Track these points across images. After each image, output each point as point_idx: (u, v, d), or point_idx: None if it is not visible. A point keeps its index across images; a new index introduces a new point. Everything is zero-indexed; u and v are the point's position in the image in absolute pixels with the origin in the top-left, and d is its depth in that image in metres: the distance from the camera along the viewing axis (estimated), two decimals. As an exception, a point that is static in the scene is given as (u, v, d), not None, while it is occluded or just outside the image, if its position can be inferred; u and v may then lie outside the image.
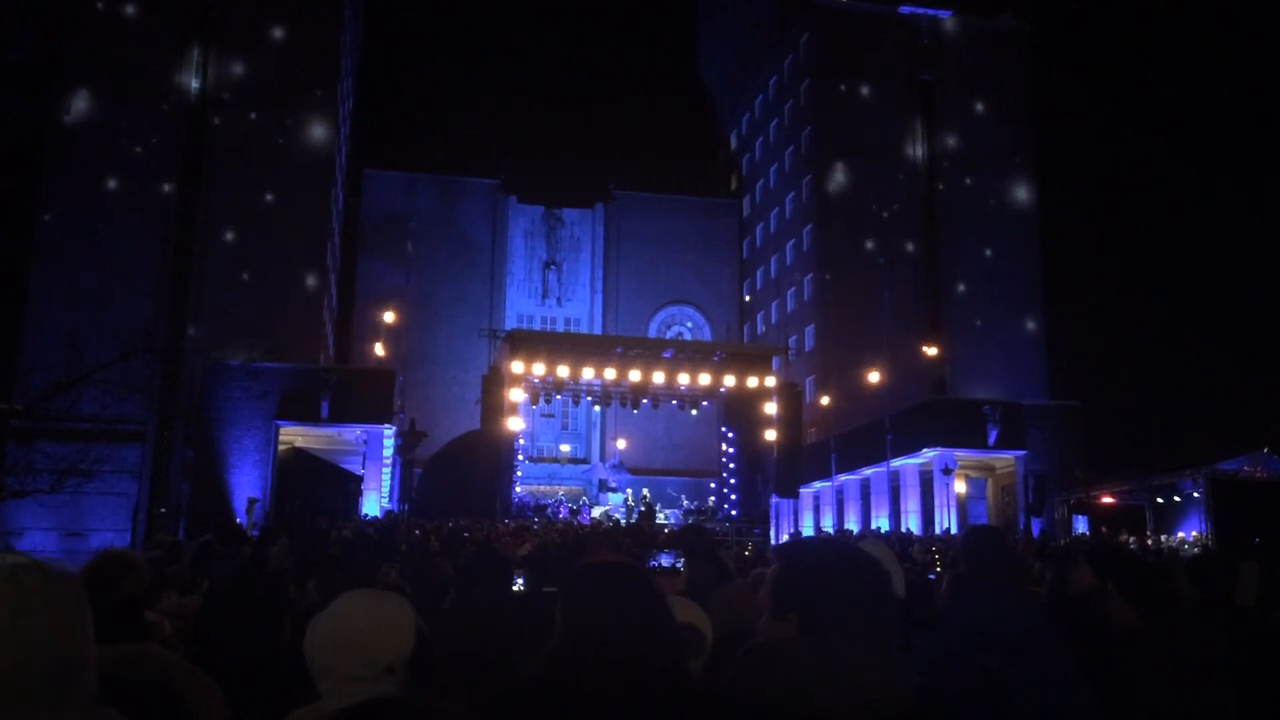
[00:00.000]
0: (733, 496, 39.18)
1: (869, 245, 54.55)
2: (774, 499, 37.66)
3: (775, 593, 2.27)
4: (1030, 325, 54.73)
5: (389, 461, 35.73)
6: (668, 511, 38.10)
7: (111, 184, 42.09)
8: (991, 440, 36.20)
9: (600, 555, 2.33)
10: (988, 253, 54.89)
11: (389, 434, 34.87)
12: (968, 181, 56.06)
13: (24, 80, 42.41)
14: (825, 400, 48.80)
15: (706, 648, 3.37)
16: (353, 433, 35.64)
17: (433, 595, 7.75)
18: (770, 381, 36.87)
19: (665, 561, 3.93)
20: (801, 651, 2.09)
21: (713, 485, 43.29)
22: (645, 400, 36.43)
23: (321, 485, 31.84)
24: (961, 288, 54.45)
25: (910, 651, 3.19)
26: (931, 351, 47.16)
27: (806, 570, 2.25)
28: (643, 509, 35.76)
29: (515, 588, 5.45)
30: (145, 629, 3.86)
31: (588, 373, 34.87)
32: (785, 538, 33.11)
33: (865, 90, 56.15)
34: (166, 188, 42.55)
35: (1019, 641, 3.12)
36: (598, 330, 60.37)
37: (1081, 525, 32.18)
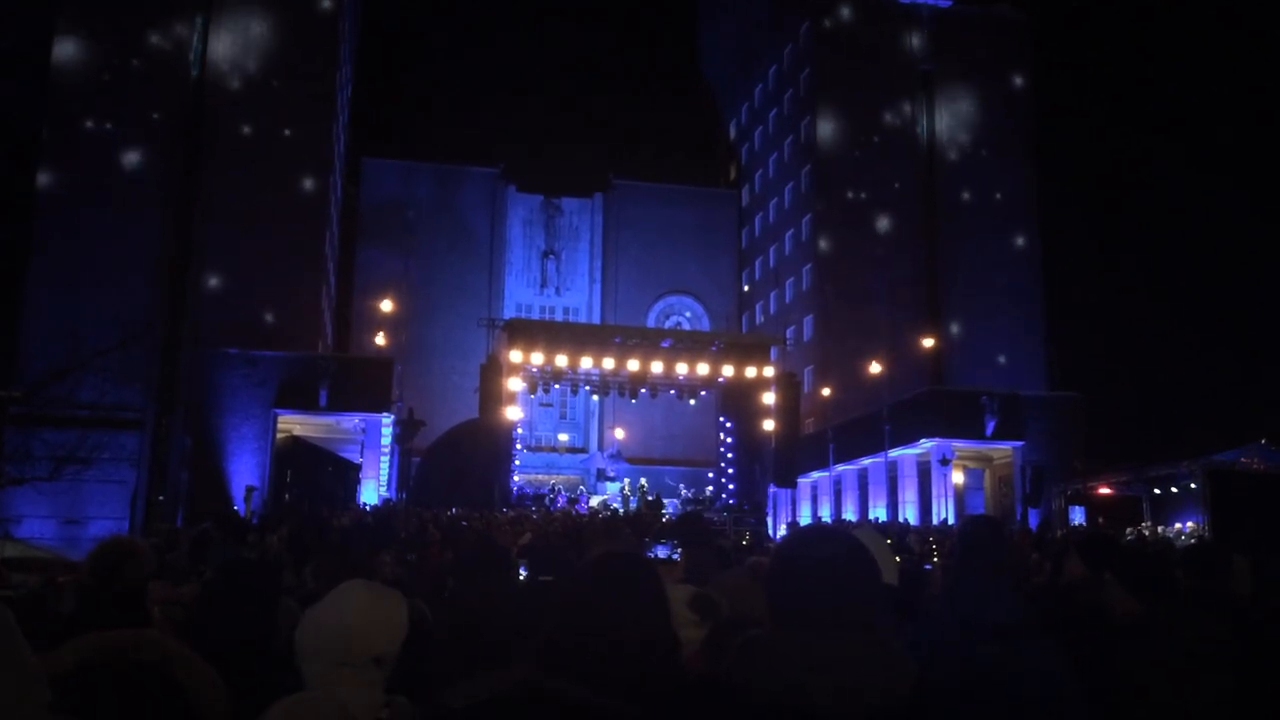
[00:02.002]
0: (730, 486, 39.21)
1: (868, 236, 54.56)
2: (771, 489, 37.70)
3: (769, 587, 2.27)
4: (1029, 316, 54.72)
5: (387, 450, 35.77)
6: (666, 501, 38.12)
7: (109, 172, 41.97)
8: (989, 431, 36.26)
9: (607, 546, 2.34)
10: (987, 243, 54.84)
11: (387, 422, 34.89)
12: (968, 172, 56.01)
13: (21, 68, 42.27)
14: (825, 391, 48.84)
15: (720, 612, 3.40)
16: (351, 421, 35.67)
17: (432, 584, 7.76)
18: (769, 371, 36.87)
19: (661, 553, 3.96)
20: (798, 643, 2.10)
21: (710, 475, 43.33)
22: (643, 390, 36.42)
23: (320, 473, 31.87)
24: (961, 278, 54.41)
25: (907, 641, 3.21)
26: (930, 342, 47.17)
27: (798, 562, 2.26)
28: (650, 498, 35.76)
29: (519, 577, 5.46)
30: (148, 616, 3.88)
31: (586, 362, 34.86)
32: (783, 527, 33.20)
33: (865, 80, 56.02)
34: (164, 176, 42.42)
35: (1016, 631, 3.14)
36: (596, 320, 60.31)
37: (1078, 516, 32.21)
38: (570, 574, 2.29)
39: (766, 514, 35.85)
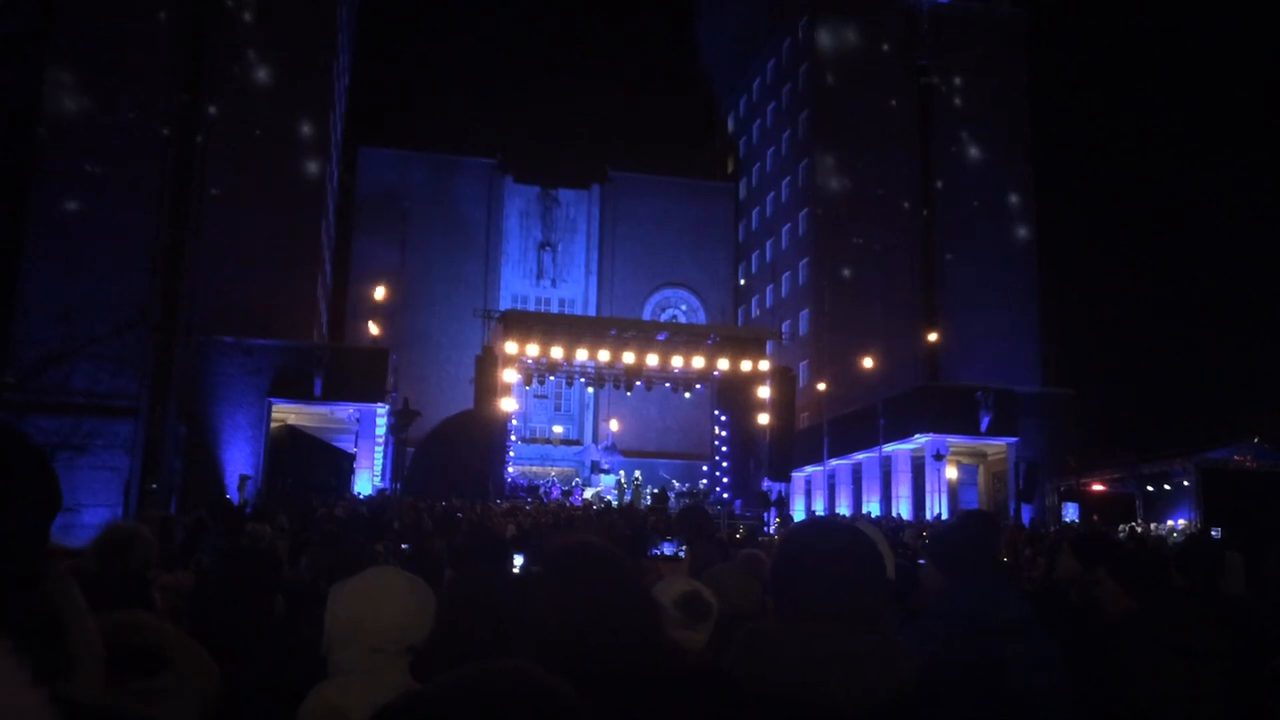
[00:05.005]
0: (725, 480, 39.27)
1: (865, 231, 54.53)
2: (767, 483, 37.71)
3: (774, 580, 2.28)
4: (1025, 313, 54.76)
5: (381, 440, 35.75)
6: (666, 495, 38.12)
7: (105, 160, 41.82)
8: (984, 427, 36.31)
9: (562, 538, 2.31)
10: (984, 239, 54.87)
11: (382, 413, 34.86)
12: (965, 168, 56.01)
13: (16, 52, 42.07)
14: (820, 385, 48.87)
15: (714, 615, 3.40)
16: (346, 411, 35.63)
17: (427, 574, 7.75)
18: (764, 365, 36.89)
19: (668, 550, 3.96)
20: (801, 636, 2.10)
21: (705, 468, 43.37)
22: (639, 382, 36.43)
23: (314, 463, 31.88)
24: (957, 274, 54.44)
25: (906, 636, 3.22)
26: (926, 337, 47.22)
27: (802, 553, 2.26)
28: (654, 492, 35.78)
29: (515, 568, 5.46)
30: (149, 601, 3.90)
31: (581, 354, 34.85)
32: (777, 521, 33.21)
33: (863, 75, 55.97)
34: (160, 163, 42.26)
35: (1015, 626, 3.15)
36: (592, 312, 60.28)
37: (1072, 512, 32.33)
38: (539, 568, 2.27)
39: (772, 508, 35.69)
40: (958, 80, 56.79)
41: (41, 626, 1.94)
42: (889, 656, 2.10)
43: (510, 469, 37.12)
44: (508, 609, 3.64)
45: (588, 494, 36.74)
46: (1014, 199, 56.13)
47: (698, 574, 4.01)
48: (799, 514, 41.14)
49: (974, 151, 56.29)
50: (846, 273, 53.78)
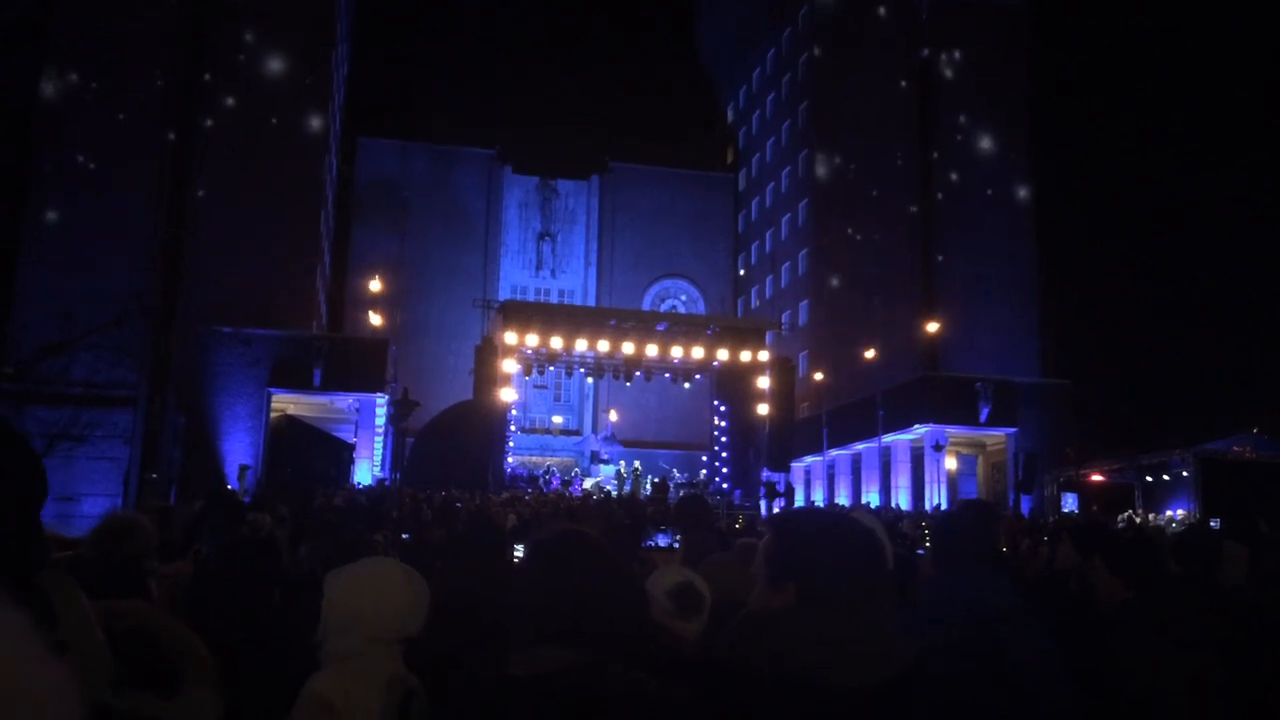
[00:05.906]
0: (724, 470, 39.28)
1: (865, 222, 54.48)
2: (771, 474, 37.71)
3: (770, 562, 2.28)
4: (1024, 305, 54.76)
5: (381, 430, 35.77)
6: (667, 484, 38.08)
7: (104, 150, 41.74)
8: (983, 417, 36.34)
9: (550, 528, 2.33)
10: (983, 231, 54.83)
11: (381, 402, 34.87)
12: (965, 160, 55.92)
13: (13, 43, 41.95)
14: (819, 375, 48.87)
15: (707, 606, 3.41)
16: (345, 401, 35.64)
17: (425, 564, 7.76)
18: (763, 356, 36.85)
19: (662, 542, 3.95)
20: (797, 621, 2.10)
21: (704, 458, 43.38)
22: (638, 373, 36.40)
23: (314, 453, 31.86)
24: (956, 265, 54.41)
25: (904, 624, 3.22)
26: (925, 328, 47.22)
27: (802, 539, 2.26)
28: (655, 481, 35.78)
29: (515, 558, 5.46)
30: (146, 590, 3.92)
31: (581, 344, 34.82)
32: (775, 510, 33.19)
33: (863, 65, 55.84)
34: (159, 153, 42.19)
35: (1011, 614, 3.16)
36: (591, 303, 60.22)
37: (1071, 503, 32.37)
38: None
39: (784, 497, 35.56)
40: (958, 73, 56.65)
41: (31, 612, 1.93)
42: (885, 640, 2.11)
43: (510, 459, 37.12)
44: (502, 599, 3.64)
45: (587, 484, 36.77)
46: (1014, 192, 56.06)
47: (693, 564, 4.01)
48: (799, 504, 41.14)
49: (975, 144, 56.21)
50: (846, 263, 53.76)
